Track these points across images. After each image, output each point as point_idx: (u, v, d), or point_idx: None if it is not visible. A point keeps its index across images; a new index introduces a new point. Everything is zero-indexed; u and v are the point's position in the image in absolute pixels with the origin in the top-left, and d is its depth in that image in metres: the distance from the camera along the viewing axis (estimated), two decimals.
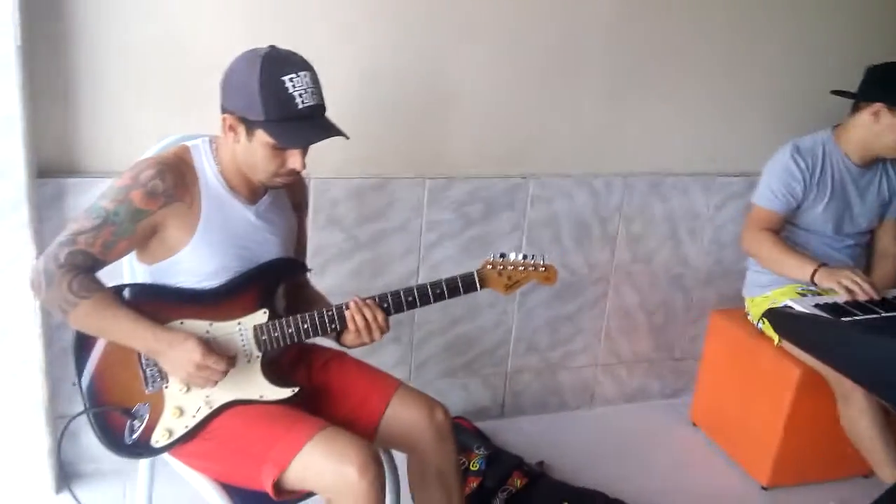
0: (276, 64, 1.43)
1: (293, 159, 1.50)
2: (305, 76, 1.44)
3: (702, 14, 2.57)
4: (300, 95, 1.43)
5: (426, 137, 2.41)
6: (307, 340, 1.62)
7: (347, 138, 1.50)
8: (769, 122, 2.78)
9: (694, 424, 2.84)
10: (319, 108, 1.48)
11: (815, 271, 2.24)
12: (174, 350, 1.45)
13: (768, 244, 2.38)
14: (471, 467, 2.34)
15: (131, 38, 2.03)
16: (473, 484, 2.29)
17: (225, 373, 1.47)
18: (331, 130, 1.49)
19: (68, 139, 2.07)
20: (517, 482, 2.30)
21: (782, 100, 2.78)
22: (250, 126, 1.46)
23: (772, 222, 2.41)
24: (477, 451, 2.37)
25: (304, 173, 1.58)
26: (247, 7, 2.11)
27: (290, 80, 1.42)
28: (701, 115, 2.71)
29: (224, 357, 1.48)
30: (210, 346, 1.47)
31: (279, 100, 1.42)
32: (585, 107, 2.55)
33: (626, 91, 2.57)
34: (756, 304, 2.52)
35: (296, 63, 1.45)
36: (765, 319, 2.44)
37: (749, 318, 2.58)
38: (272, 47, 1.47)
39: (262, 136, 1.46)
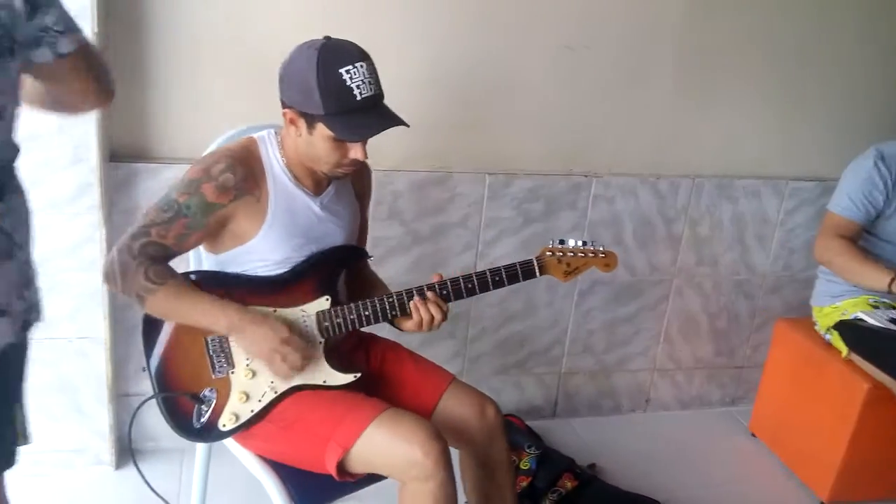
0: (333, 57, 1.43)
1: (355, 150, 1.50)
2: (362, 66, 1.43)
3: (776, 9, 2.48)
4: (358, 87, 1.42)
5: (489, 133, 2.39)
6: (367, 327, 1.63)
7: (408, 126, 1.50)
8: (845, 125, 2.68)
9: (753, 435, 2.76)
10: (378, 97, 1.48)
11: (892, 280, 2.15)
12: (259, 327, 1.49)
13: (843, 252, 2.29)
14: (521, 466, 2.32)
15: (204, 26, 2.06)
16: (523, 483, 2.28)
17: (305, 357, 1.51)
18: (390, 120, 1.48)
19: (141, 125, 2.12)
20: (567, 484, 2.28)
21: (860, 102, 2.67)
22: (310, 120, 1.47)
23: (848, 231, 2.31)
24: (528, 451, 2.35)
25: (367, 163, 1.58)
26: (319, 6, 2.12)
27: (347, 72, 1.42)
28: (774, 115, 2.62)
29: (305, 340, 1.53)
30: (292, 326, 1.52)
31: (337, 93, 1.42)
32: (652, 105, 2.49)
33: (696, 89, 2.50)
34: (825, 314, 2.43)
35: (352, 54, 1.44)
36: (834, 331, 2.36)
37: (816, 328, 2.49)
38: (327, 38, 1.47)
39: (322, 129, 1.46)
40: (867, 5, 2.55)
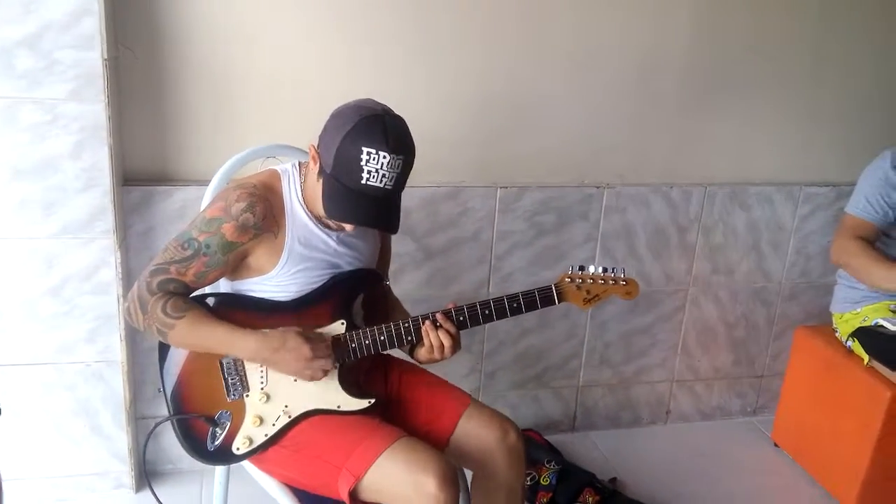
0: (366, 132, 1.41)
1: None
2: (386, 157, 1.41)
3: (787, 17, 2.47)
4: (369, 172, 1.42)
5: (499, 146, 2.39)
6: (383, 352, 1.63)
7: (394, 233, 1.53)
8: (858, 130, 2.66)
9: (776, 444, 2.72)
10: (384, 191, 1.44)
11: None
12: (280, 353, 1.49)
13: (859, 253, 2.26)
14: (541, 481, 2.30)
15: (216, 48, 2.08)
16: (544, 499, 2.25)
17: (331, 356, 1.52)
18: (377, 220, 1.49)
19: (153, 148, 2.13)
20: (589, 499, 2.25)
21: (873, 106, 2.65)
22: (322, 168, 1.49)
23: (865, 232, 2.28)
24: (548, 466, 2.33)
25: None
26: (330, 25, 2.14)
27: (368, 153, 1.41)
28: (786, 122, 2.60)
29: (325, 340, 1.53)
30: (307, 334, 1.52)
31: (348, 166, 1.42)
32: (663, 114, 2.48)
33: (707, 97, 2.50)
34: (845, 320, 2.40)
35: (385, 142, 1.41)
36: (854, 338, 2.33)
37: (837, 335, 2.46)
38: (385, 112, 1.46)
39: (322, 183, 1.48)
40: (879, 12, 2.54)
